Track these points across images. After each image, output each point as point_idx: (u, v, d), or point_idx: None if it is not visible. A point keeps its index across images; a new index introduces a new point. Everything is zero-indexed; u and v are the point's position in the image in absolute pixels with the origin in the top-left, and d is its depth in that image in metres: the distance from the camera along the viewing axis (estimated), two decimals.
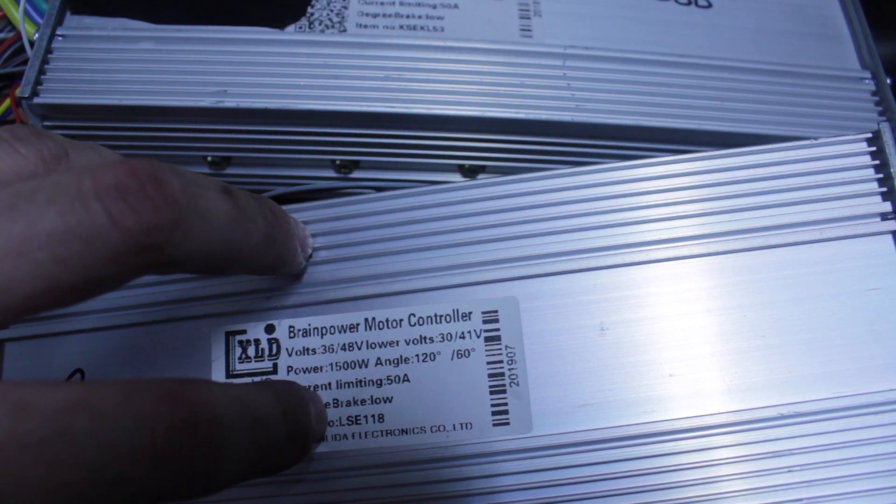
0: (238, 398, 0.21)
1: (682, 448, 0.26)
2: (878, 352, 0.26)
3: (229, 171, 0.34)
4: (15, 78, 0.36)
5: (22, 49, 0.35)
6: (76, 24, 0.32)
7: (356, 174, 0.34)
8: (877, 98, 0.33)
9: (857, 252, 0.27)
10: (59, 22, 0.32)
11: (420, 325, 0.28)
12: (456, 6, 0.33)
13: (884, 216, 0.27)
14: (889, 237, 0.27)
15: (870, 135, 0.28)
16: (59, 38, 0.32)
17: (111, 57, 0.31)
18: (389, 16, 0.33)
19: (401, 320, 0.28)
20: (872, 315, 0.27)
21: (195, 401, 0.19)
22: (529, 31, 0.33)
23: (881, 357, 0.26)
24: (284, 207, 0.28)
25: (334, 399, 0.27)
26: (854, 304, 0.27)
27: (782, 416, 0.26)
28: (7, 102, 0.34)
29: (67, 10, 0.32)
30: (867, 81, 0.33)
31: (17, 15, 0.34)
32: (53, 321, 0.29)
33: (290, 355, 0.28)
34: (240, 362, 0.28)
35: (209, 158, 0.33)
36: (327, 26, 0.32)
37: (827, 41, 0.34)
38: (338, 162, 0.33)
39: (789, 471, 0.25)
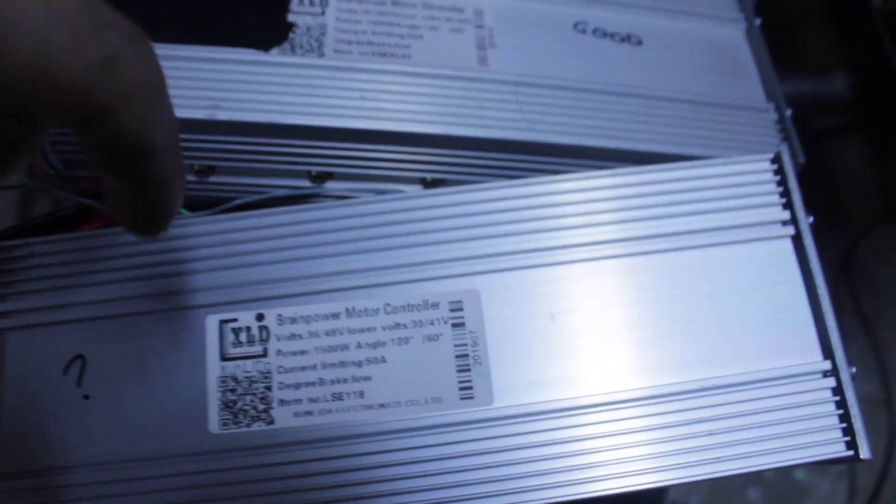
0: None
1: (619, 416, 0.30)
2: (782, 334, 0.32)
3: (213, 178, 0.37)
4: None
5: None
6: None
7: (329, 184, 0.37)
8: (780, 126, 0.39)
9: (762, 252, 0.33)
10: None
11: (394, 313, 0.31)
12: (421, 37, 0.37)
13: (784, 223, 0.33)
14: (788, 240, 0.33)
15: (772, 156, 0.33)
16: None
17: None
18: (363, 43, 0.37)
19: (377, 309, 0.31)
20: (776, 304, 0.32)
21: None
22: (486, 60, 0.37)
23: (785, 339, 0.31)
24: (260, 212, 0.32)
25: (320, 378, 0.30)
26: (761, 294, 0.32)
27: (704, 388, 0.30)
28: None
29: None
30: (771, 112, 0.39)
31: None
32: (54, 311, 0.31)
33: (278, 340, 0.31)
34: (233, 347, 0.31)
35: (195, 167, 0.36)
36: (307, 50, 0.36)
37: (738, 77, 0.40)
38: (313, 173, 0.37)
39: (709, 434, 0.30)
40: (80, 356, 0.31)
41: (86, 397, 0.30)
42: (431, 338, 0.31)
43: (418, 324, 0.31)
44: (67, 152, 0.35)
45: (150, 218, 0.24)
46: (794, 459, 0.30)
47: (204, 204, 0.36)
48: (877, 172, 0.56)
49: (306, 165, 0.36)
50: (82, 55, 0.18)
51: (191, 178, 0.37)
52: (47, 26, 0.17)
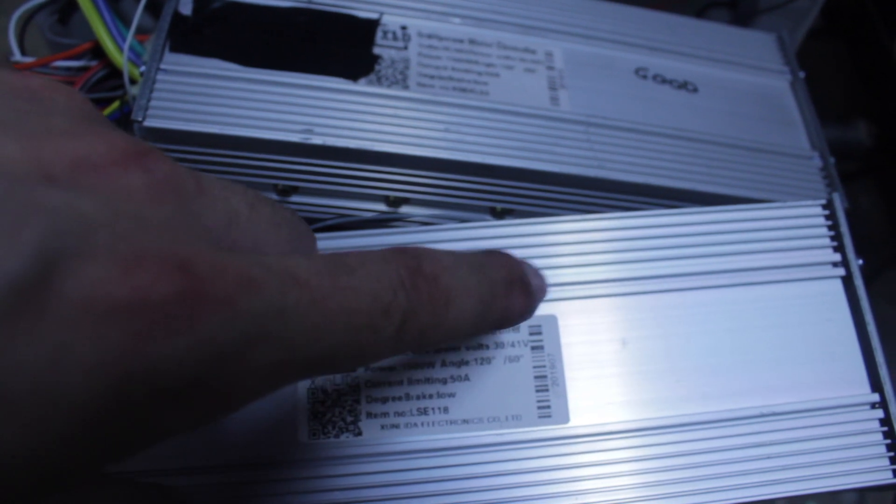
0: (449, 253, 0.23)
1: (686, 438, 0.32)
2: (832, 368, 0.34)
3: (295, 198, 0.39)
4: (97, 102, 0.40)
5: (103, 78, 0.40)
6: (175, 61, 0.37)
7: (405, 208, 0.39)
8: (824, 173, 0.42)
9: (814, 291, 0.35)
10: (160, 58, 0.37)
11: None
12: (497, 75, 0.40)
13: (834, 264, 0.35)
14: (838, 280, 0.35)
15: (825, 201, 0.36)
16: (162, 72, 0.36)
17: (208, 91, 0.36)
18: (444, 78, 0.39)
19: None
20: (827, 340, 0.35)
21: (418, 252, 0.22)
22: (557, 100, 0.40)
23: (836, 372, 0.34)
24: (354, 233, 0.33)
25: (406, 393, 0.32)
26: (813, 330, 0.35)
27: (763, 415, 0.33)
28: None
29: (167, 49, 0.37)
30: (815, 159, 0.42)
31: (110, 45, 0.38)
32: None
33: None
34: None
35: (279, 186, 0.38)
36: (392, 82, 0.38)
37: (785, 125, 0.43)
38: (391, 198, 0.39)
39: (767, 458, 0.32)
40: None
41: None
42: (512, 359, 0.33)
43: (499, 346, 0.33)
44: None
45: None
46: (844, 485, 0.32)
47: None
48: (889, 217, 0.60)
49: (385, 191, 0.38)
50: None
51: (273, 196, 0.39)
52: None
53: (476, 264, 0.24)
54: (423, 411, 0.32)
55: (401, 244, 0.34)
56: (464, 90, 0.39)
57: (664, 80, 0.42)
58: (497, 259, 0.27)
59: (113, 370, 0.13)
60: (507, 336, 0.33)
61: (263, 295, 0.16)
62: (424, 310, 0.21)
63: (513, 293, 0.26)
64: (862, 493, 0.53)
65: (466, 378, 0.33)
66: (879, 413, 0.33)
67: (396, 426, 0.32)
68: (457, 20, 0.41)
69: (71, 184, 0.14)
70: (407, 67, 0.39)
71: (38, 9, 0.41)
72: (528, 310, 0.28)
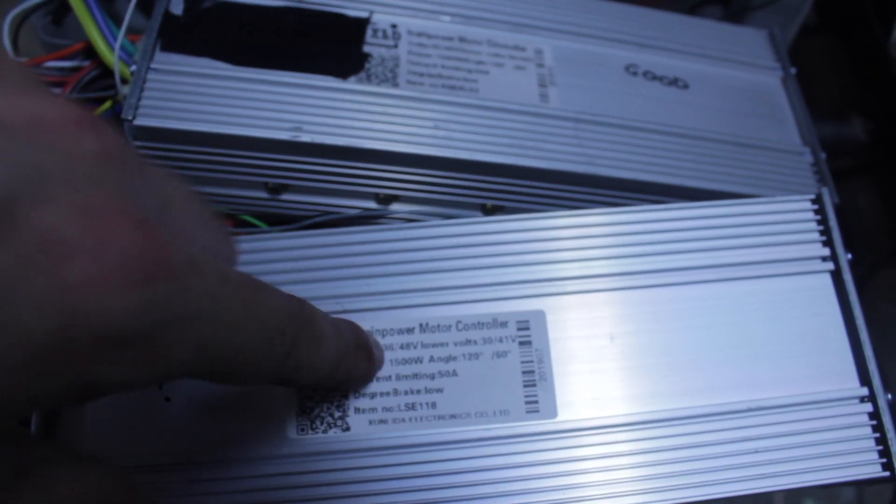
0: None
1: (674, 432, 0.32)
2: (821, 362, 0.34)
3: (285, 196, 0.39)
4: (89, 102, 0.40)
5: (96, 78, 0.40)
6: (165, 60, 0.37)
7: (395, 206, 0.40)
8: (815, 168, 0.42)
9: (803, 285, 0.35)
10: (151, 57, 0.37)
11: (465, 330, 0.33)
12: (487, 72, 0.40)
13: (823, 259, 0.35)
14: (827, 275, 0.35)
15: (814, 196, 0.36)
16: (153, 71, 0.36)
17: (198, 90, 0.36)
18: (433, 76, 0.39)
19: (449, 326, 0.33)
20: (816, 334, 0.35)
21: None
22: (547, 97, 0.40)
23: (825, 366, 0.34)
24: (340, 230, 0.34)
25: (394, 389, 0.32)
26: (802, 325, 0.35)
27: (750, 409, 0.33)
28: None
29: (158, 48, 0.37)
30: (806, 155, 0.42)
31: (102, 45, 0.38)
32: None
33: None
34: None
35: (269, 184, 0.38)
36: (382, 80, 0.38)
37: (776, 121, 0.43)
38: (381, 195, 0.39)
39: (755, 451, 0.32)
40: None
41: (167, 399, 0.32)
42: (500, 354, 0.33)
43: (488, 341, 0.33)
44: None
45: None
46: (834, 479, 0.32)
47: (278, 220, 0.38)
48: (886, 214, 0.59)
49: (375, 188, 0.38)
50: None
51: (263, 195, 0.39)
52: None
53: (332, 322, 0.27)
54: (411, 406, 0.32)
55: (393, 240, 0.34)
56: (453, 87, 0.39)
57: (654, 77, 0.42)
58: (348, 324, 0.30)
59: (63, 307, 0.14)
60: (494, 331, 0.33)
61: (205, 280, 0.17)
62: (304, 343, 0.23)
63: (360, 355, 0.30)
64: (860, 489, 0.52)
65: (454, 373, 0.33)
66: (868, 407, 0.33)
67: (384, 421, 0.32)
68: (447, 18, 0.41)
69: (28, 138, 0.15)
70: (397, 65, 0.39)
71: (33, 10, 0.41)
72: (369, 375, 0.32)
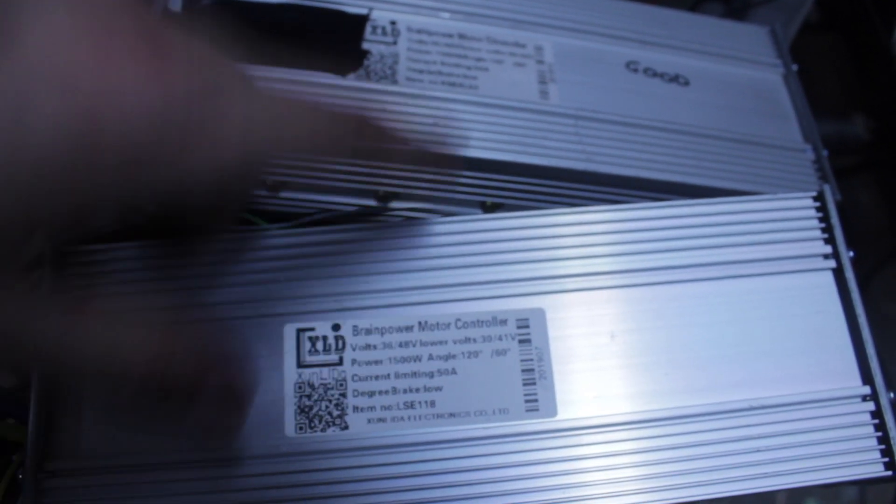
0: None
1: (676, 431, 0.32)
2: (823, 360, 0.34)
3: (284, 194, 0.39)
4: None
5: None
6: None
7: (394, 203, 0.39)
8: (817, 166, 0.42)
9: (805, 283, 0.35)
10: None
11: (465, 328, 0.33)
12: (487, 69, 0.40)
13: (825, 256, 0.35)
14: (829, 273, 0.35)
15: (815, 193, 0.36)
16: None
17: None
18: (433, 73, 0.39)
19: (449, 324, 0.33)
20: (818, 332, 0.34)
21: None
22: (547, 94, 0.40)
23: (827, 364, 0.34)
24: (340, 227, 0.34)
25: (393, 387, 0.32)
26: (803, 323, 0.34)
27: (752, 408, 0.33)
28: None
29: None
30: (808, 153, 0.42)
31: None
32: (136, 315, 0.33)
33: (353, 350, 0.33)
34: (309, 355, 0.33)
35: (269, 182, 0.38)
36: (381, 77, 0.38)
37: (777, 119, 0.43)
38: (380, 192, 0.39)
39: (757, 451, 0.32)
40: None
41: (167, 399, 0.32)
42: (499, 352, 0.33)
43: (487, 339, 0.33)
44: None
45: None
46: (836, 478, 0.32)
47: (277, 217, 0.37)
48: (888, 212, 0.59)
49: (374, 185, 0.38)
50: None
51: (263, 192, 0.39)
52: None
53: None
54: (410, 405, 0.32)
55: (393, 237, 0.34)
56: (453, 84, 0.39)
57: (655, 74, 0.42)
58: None
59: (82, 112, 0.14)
60: (494, 329, 0.33)
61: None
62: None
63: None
64: (862, 488, 0.52)
65: (453, 371, 0.32)
66: (870, 405, 0.33)
67: (383, 420, 0.32)
68: (446, 15, 0.41)
69: None
70: (396, 62, 0.39)
71: None
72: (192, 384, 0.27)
